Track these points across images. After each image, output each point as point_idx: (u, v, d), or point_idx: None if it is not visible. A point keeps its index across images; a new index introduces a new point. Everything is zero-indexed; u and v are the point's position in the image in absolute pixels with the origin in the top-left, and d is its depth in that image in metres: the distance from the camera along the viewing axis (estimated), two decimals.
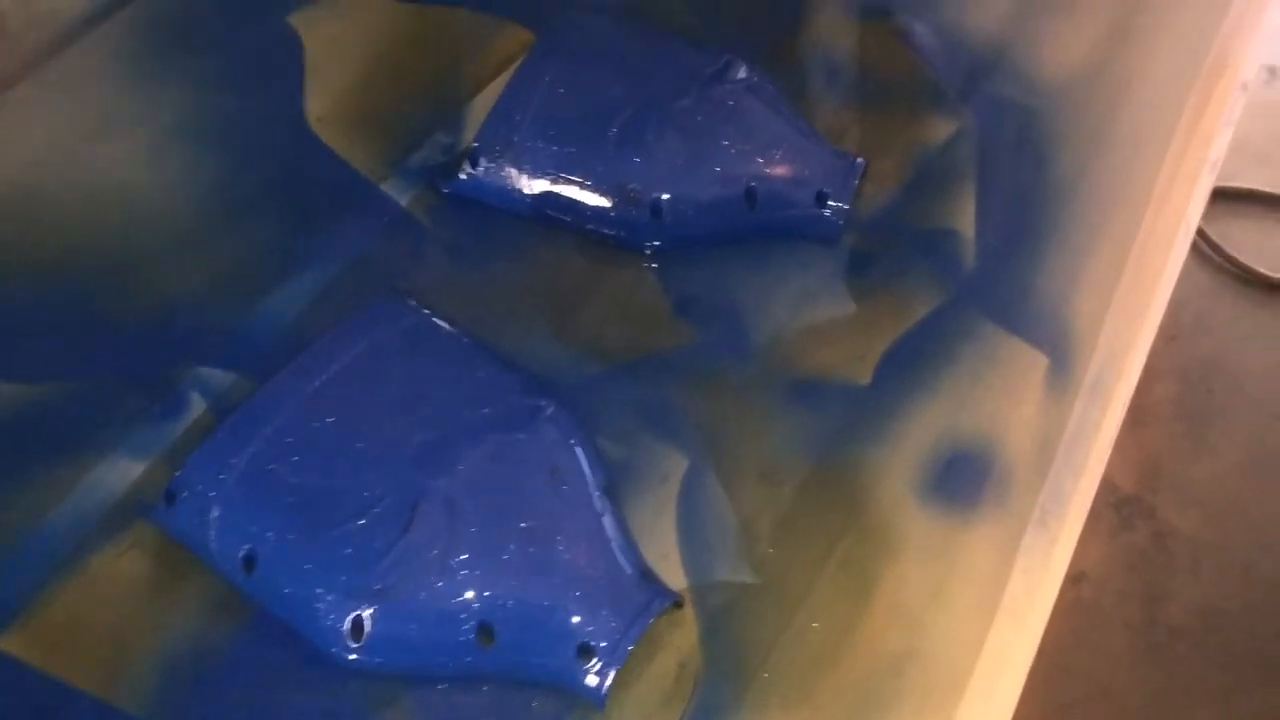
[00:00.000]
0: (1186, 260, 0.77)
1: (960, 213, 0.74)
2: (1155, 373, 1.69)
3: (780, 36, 0.86)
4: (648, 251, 0.73)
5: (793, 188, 0.73)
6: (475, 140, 0.74)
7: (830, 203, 0.72)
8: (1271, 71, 2.05)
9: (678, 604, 0.56)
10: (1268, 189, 1.86)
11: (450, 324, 0.65)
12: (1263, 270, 1.74)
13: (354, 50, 0.84)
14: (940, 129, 0.79)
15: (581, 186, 0.73)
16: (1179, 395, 1.62)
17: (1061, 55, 0.83)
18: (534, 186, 0.73)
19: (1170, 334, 1.69)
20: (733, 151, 0.73)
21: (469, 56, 0.84)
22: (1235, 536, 1.47)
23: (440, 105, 0.81)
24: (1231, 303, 1.73)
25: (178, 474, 0.57)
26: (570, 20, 0.81)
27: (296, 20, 0.85)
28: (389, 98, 0.81)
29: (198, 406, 0.64)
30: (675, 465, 0.63)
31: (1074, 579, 1.49)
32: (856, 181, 0.73)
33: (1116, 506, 1.49)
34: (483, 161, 0.74)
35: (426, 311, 0.65)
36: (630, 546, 0.57)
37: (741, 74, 0.77)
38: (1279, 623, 1.39)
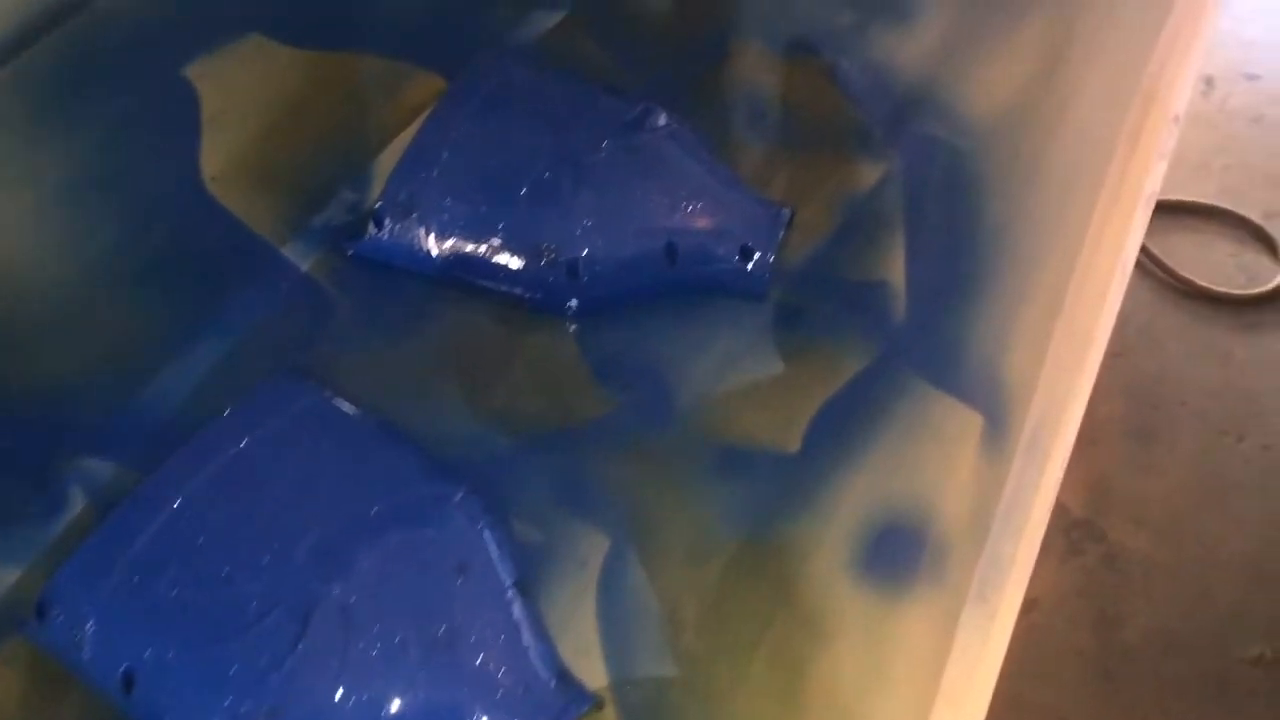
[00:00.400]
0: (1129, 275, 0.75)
1: (890, 262, 0.71)
2: (1102, 391, 1.66)
3: (703, 76, 0.83)
4: (567, 312, 0.69)
5: (715, 241, 0.70)
6: (380, 198, 0.70)
7: (755, 256, 0.69)
8: (1208, 82, 2.06)
9: (598, 706, 0.53)
10: (1207, 200, 1.86)
11: (351, 404, 0.61)
12: (1203, 284, 1.74)
13: (254, 103, 0.79)
14: (868, 172, 0.76)
15: (493, 246, 0.69)
16: (1126, 413, 1.60)
17: (991, 92, 0.81)
18: (443, 247, 0.70)
19: (1115, 350, 1.68)
20: (651, 205, 0.70)
21: (377, 106, 0.80)
22: (1187, 556, 1.46)
23: (346, 160, 0.77)
24: (1174, 317, 1.72)
25: (47, 585, 0.52)
26: (482, 67, 0.78)
27: (193, 72, 0.81)
28: (291, 153, 0.77)
29: (77, 502, 0.59)
30: (595, 547, 0.59)
31: (1026, 607, 1.46)
32: (782, 233, 0.70)
33: (1066, 530, 1.47)
34: (388, 221, 0.70)
35: (326, 391, 0.61)
36: (545, 646, 0.53)
37: (661, 121, 0.74)
38: (1233, 643, 1.38)
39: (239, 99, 0.79)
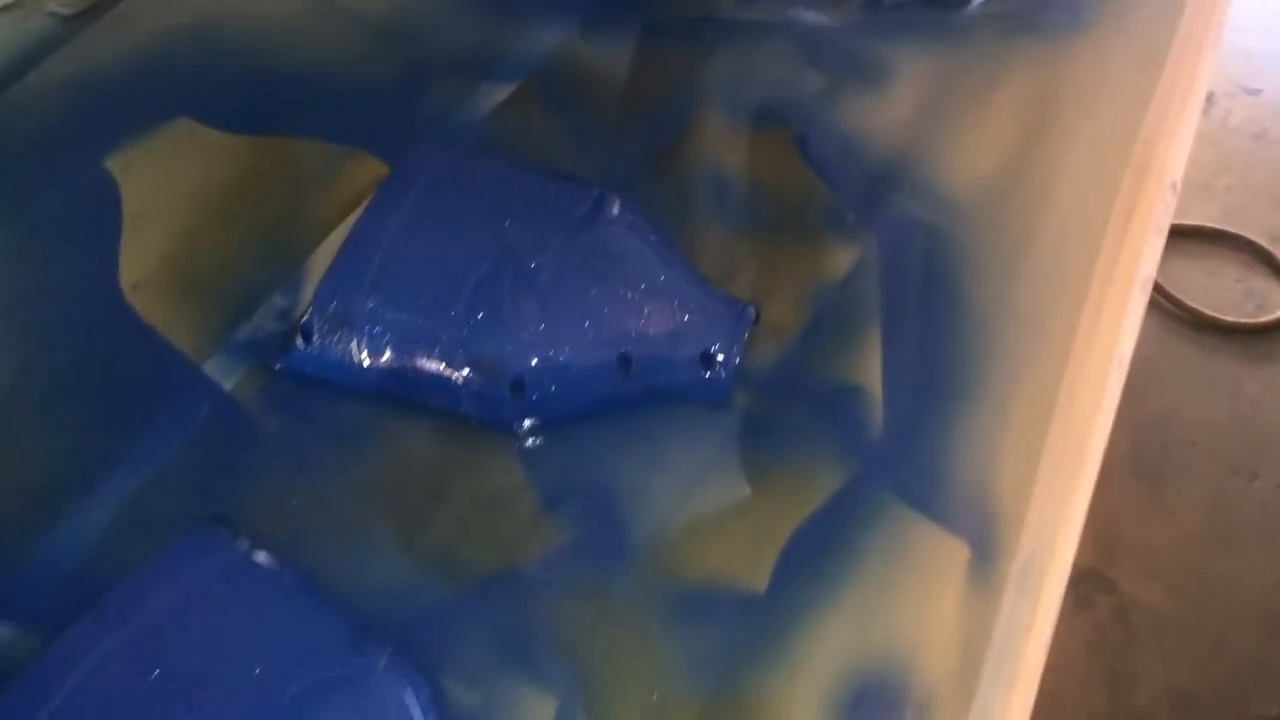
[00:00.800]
0: None
1: (864, 364, 0.65)
2: None
3: (663, 150, 0.77)
4: (512, 430, 0.63)
5: (673, 348, 0.64)
6: (308, 309, 0.65)
7: (717, 363, 0.63)
8: (1208, 98, 1.99)
9: None
10: (1211, 224, 1.80)
11: (272, 554, 0.56)
12: (1211, 313, 1.68)
13: (180, 197, 0.74)
14: (840, 258, 0.70)
15: (432, 360, 0.63)
16: (1134, 452, 1.54)
17: (971, 163, 0.75)
18: (377, 361, 0.64)
19: None
20: (603, 312, 0.64)
21: (312, 196, 0.75)
22: (1200, 608, 1.40)
23: (277, 259, 0.71)
24: (1181, 349, 1.66)
25: None
26: (419, 158, 0.72)
27: (114, 164, 0.75)
28: (219, 254, 0.71)
29: None
30: (540, 710, 0.53)
31: None
32: (746, 335, 0.64)
33: (1075, 582, 1.40)
34: (317, 333, 0.64)
35: (242, 544, 0.56)
36: None
37: (615, 210, 0.68)
38: (1252, 700, 1.31)
39: (164, 193, 0.74)
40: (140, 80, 0.81)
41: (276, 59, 0.83)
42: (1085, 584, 1.41)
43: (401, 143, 0.76)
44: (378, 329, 0.64)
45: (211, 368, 0.66)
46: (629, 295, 0.64)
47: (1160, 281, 1.68)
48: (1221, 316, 1.67)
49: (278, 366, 0.65)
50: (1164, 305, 1.69)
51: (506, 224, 0.67)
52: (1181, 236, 1.77)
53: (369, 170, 0.75)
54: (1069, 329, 0.66)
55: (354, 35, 0.85)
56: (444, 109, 0.80)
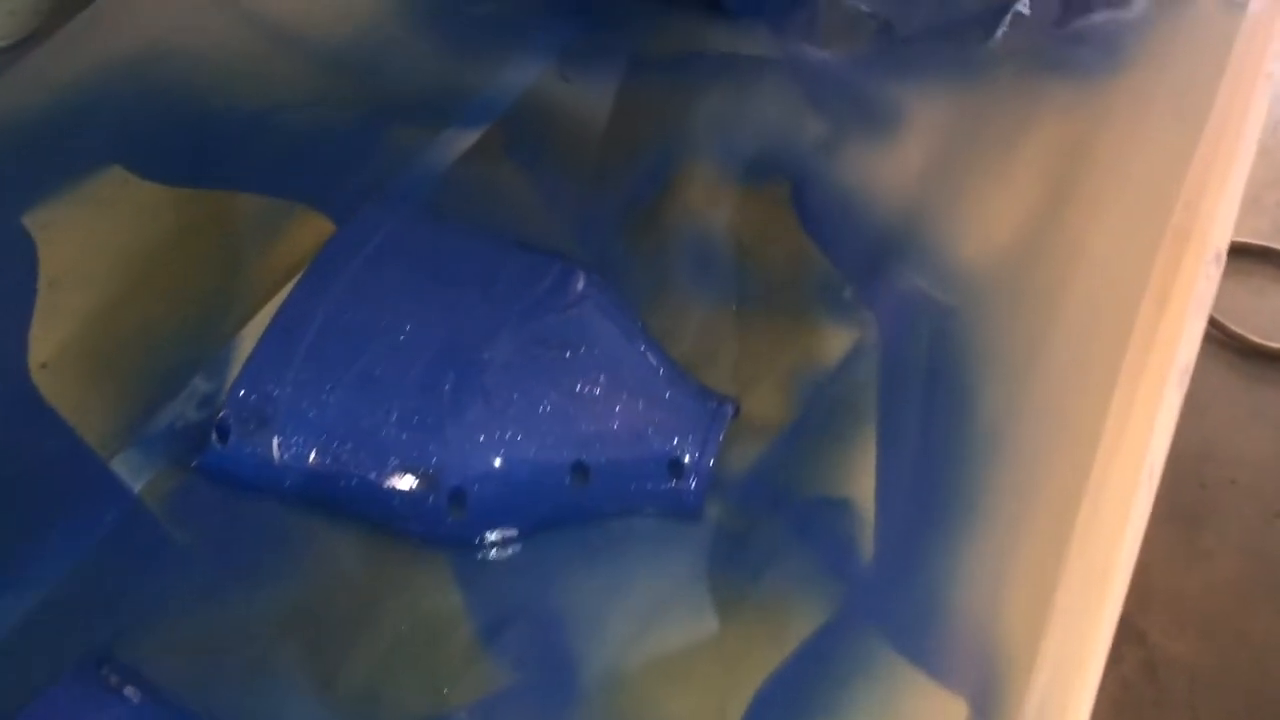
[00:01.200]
0: None
1: (856, 472, 0.57)
2: None
3: (641, 207, 0.69)
4: (450, 547, 0.56)
5: (637, 453, 0.56)
6: (226, 402, 0.57)
7: (687, 471, 0.56)
8: None
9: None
10: (1260, 241, 1.70)
11: (167, 701, 0.49)
12: (1257, 339, 1.57)
13: (103, 260, 0.67)
14: (834, 341, 0.62)
15: (362, 464, 0.56)
16: (1169, 491, 1.43)
17: (988, 230, 0.66)
18: (302, 464, 0.56)
19: None
20: (558, 413, 0.56)
21: (250, 261, 0.67)
22: (1234, 662, 1.30)
23: (205, 336, 0.64)
24: (1223, 378, 1.56)
25: None
26: (367, 218, 0.64)
27: (33, 221, 0.68)
28: (140, 327, 0.64)
29: None
30: None
31: None
32: (722, 435, 0.56)
33: None
34: (234, 431, 0.57)
35: (130, 692, 0.48)
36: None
37: (579, 286, 0.60)
38: None
39: (86, 256, 0.67)
40: (71, 122, 0.74)
41: (223, 98, 0.76)
42: (1114, 635, 1.32)
43: (352, 197, 0.69)
44: (302, 427, 0.57)
45: (121, 464, 0.59)
46: (588, 392, 0.57)
47: None
48: (1267, 343, 1.57)
49: (194, 464, 0.58)
50: (1206, 329, 1.59)
51: (455, 305, 0.60)
52: (1229, 254, 1.66)
53: (314, 230, 0.68)
54: (1093, 433, 0.58)
55: (309, 69, 0.77)
56: (402, 158, 0.72)
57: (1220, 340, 1.58)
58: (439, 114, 0.74)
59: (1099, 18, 0.77)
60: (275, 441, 0.57)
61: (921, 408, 0.59)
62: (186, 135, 0.73)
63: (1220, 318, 1.58)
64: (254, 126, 0.73)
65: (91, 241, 0.67)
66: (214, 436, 0.57)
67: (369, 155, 0.72)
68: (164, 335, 0.64)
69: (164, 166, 0.71)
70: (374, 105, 0.75)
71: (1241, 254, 1.68)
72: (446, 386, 0.56)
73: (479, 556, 0.55)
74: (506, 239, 0.65)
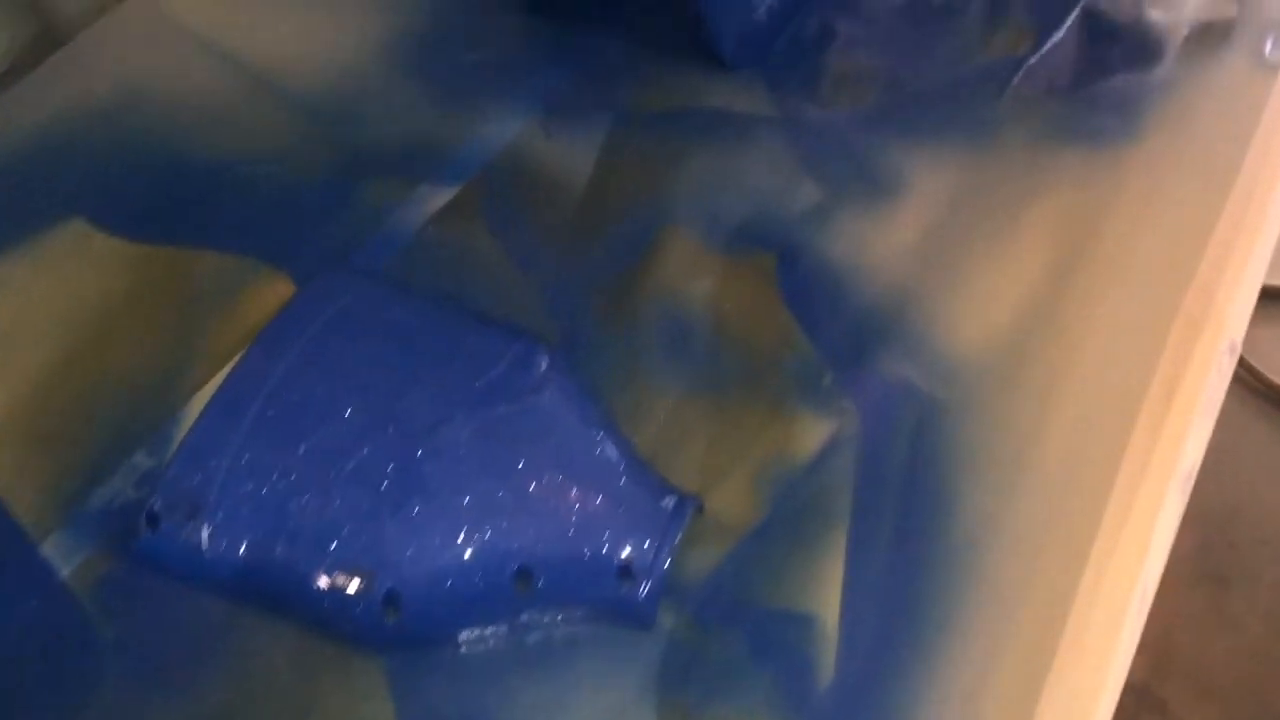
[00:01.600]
0: None
1: (822, 582, 0.53)
2: None
3: (617, 281, 0.66)
4: (383, 651, 0.53)
5: (586, 557, 0.52)
6: (158, 489, 0.54)
7: (640, 576, 0.52)
8: None
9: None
10: None
11: None
12: None
13: (53, 322, 0.64)
14: (809, 434, 0.58)
15: (294, 560, 0.53)
16: (1196, 551, 1.39)
17: (983, 313, 0.62)
18: (234, 556, 0.53)
19: None
20: (502, 513, 0.52)
21: (206, 324, 0.65)
22: None
23: (150, 407, 0.61)
24: (1258, 431, 1.49)
25: None
26: (324, 285, 0.61)
27: None
28: (84, 395, 0.61)
29: None
30: None
31: None
32: (680, 536, 0.53)
33: (1119, 702, 1.26)
34: (165, 518, 0.54)
35: None
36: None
37: (540, 369, 0.57)
38: None
39: (35, 317, 0.65)
40: (37, 171, 0.72)
41: (195, 148, 0.73)
42: (1132, 703, 1.26)
43: (318, 257, 0.66)
44: (236, 516, 0.53)
45: (51, 546, 0.56)
46: (538, 491, 0.53)
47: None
48: None
49: (131, 548, 0.55)
50: (1241, 376, 1.53)
51: (409, 385, 0.56)
52: (1264, 298, 1.59)
53: (274, 292, 0.65)
54: (1082, 544, 0.53)
55: (285, 119, 0.74)
56: (373, 215, 0.69)
57: (1257, 389, 1.52)
58: (414, 169, 0.71)
59: (1119, 80, 0.73)
60: (205, 532, 0.53)
61: (897, 512, 0.55)
62: (155, 186, 0.71)
63: (1258, 365, 1.51)
64: (224, 179, 0.71)
65: (42, 302, 0.65)
66: (144, 521, 0.54)
67: (338, 213, 0.69)
68: (109, 403, 0.61)
69: (129, 219, 0.69)
70: (349, 158, 0.72)
71: (1275, 298, 1.61)
72: (389, 479, 0.53)
73: (414, 663, 0.52)
74: (469, 312, 0.61)
